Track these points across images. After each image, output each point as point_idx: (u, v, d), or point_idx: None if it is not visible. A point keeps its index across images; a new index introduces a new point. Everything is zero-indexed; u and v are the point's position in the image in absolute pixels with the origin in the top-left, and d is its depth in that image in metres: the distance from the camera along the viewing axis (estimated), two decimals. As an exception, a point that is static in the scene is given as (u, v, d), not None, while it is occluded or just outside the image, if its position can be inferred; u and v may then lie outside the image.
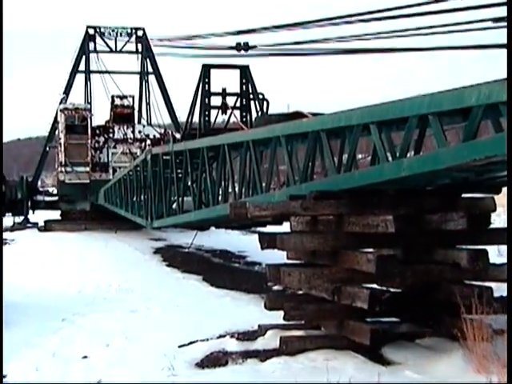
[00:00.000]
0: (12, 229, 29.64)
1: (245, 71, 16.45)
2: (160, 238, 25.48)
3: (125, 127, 30.39)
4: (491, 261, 6.87)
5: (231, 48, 15.79)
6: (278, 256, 8.74)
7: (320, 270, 7.58)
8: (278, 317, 7.85)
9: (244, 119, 16.33)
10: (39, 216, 31.30)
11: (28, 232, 28.65)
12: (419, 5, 9.80)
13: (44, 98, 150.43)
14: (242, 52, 15.43)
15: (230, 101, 16.29)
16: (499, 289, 7.19)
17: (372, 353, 7.02)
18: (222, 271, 16.92)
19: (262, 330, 8.17)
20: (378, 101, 7.29)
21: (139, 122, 32.46)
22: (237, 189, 12.59)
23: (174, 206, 17.04)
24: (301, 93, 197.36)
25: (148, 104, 34.18)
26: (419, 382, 6.37)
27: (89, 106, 31.12)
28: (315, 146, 9.21)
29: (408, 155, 6.93)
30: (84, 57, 33.01)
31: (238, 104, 16.37)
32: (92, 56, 33.39)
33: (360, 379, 6.27)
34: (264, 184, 11.01)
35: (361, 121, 7.50)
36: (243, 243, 21.98)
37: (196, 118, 16.55)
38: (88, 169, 29.22)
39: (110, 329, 9.74)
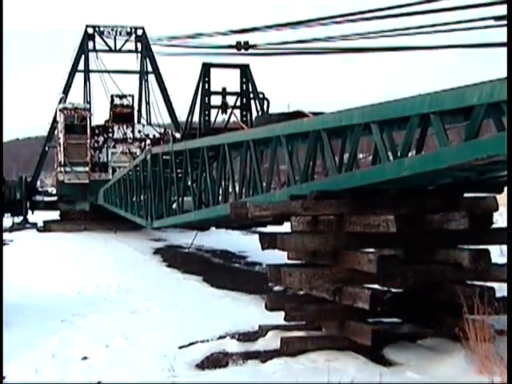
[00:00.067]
0: (11, 229, 29.52)
1: (245, 70, 16.41)
2: (160, 238, 25.44)
3: (124, 127, 30.33)
4: (493, 261, 6.85)
5: (231, 47, 15.73)
6: (278, 256, 8.71)
7: (321, 270, 7.55)
8: (278, 317, 7.82)
9: (244, 119, 16.28)
10: (38, 216, 31.24)
11: (27, 232, 28.54)
12: (420, 3, 9.79)
13: (43, 97, 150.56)
14: (242, 51, 15.37)
15: (230, 100, 16.25)
16: (501, 289, 7.14)
17: (373, 353, 7.00)
18: (223, 271, 16.89)
19: (263, 331, 8.15)
20: (379, 100, 7.28)
21: (139, 122, 32.38)
22: (237, 189, 12.56)
23: (174, 206, 16.99)
24: (301, 92, 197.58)
25: (148, 103, 34.08)
26: (421, 382, 6.35)
27: (88, 106, 31.01)
28: (316, 146, 9.18)
29: (409, 154, 6.91)
30: (83, 56, 32.90)
31: (238, 103, 16.31)
32: (91, 55, 33.32)
33: (361, 380, 6.24)
34: (264, 184, 10.98)
35: (362, 120, 7.47)
36: (243, 243, 21.95)
37: (196, 118, 16.50)
38: (87, 169, 29.15)
39: (109, 329, 9.71)
